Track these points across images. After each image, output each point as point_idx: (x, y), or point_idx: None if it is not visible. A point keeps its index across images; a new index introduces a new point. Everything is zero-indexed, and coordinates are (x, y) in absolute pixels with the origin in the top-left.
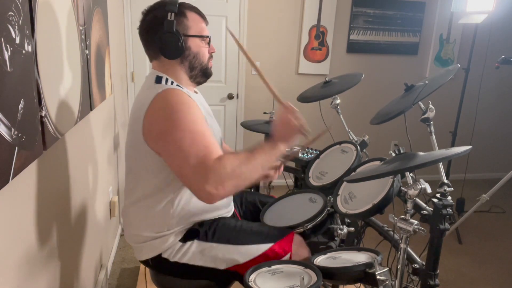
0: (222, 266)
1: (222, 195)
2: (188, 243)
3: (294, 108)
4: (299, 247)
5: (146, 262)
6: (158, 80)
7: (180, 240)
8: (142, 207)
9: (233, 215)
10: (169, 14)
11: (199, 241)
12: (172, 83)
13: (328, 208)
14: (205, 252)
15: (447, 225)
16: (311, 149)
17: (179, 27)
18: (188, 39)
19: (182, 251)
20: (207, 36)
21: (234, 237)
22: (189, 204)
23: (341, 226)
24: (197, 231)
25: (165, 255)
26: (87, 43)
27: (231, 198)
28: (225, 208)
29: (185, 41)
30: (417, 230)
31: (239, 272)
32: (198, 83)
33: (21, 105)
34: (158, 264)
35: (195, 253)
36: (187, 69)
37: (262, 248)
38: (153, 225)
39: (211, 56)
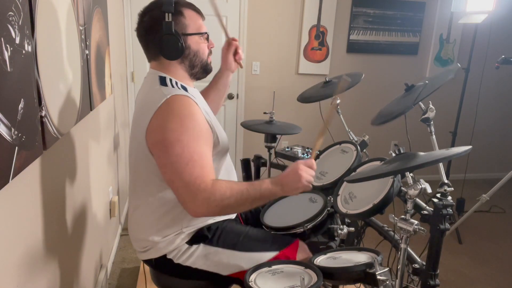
0: (225, 272)
1: (205, 215)
2: (194, 246)
3: (314, 166)
4: (303, 255)
5: (148, 261)
6: (163, 81)
7: (187, 243)
8: (150, 210)
9: (236, 218)
10: (167, 14)
11: (205, 245)
12: (176, 83)
13: (328, 208)
14: (210, 256)
15: (447, 225)
16: (311, 149)
17: (177, 27)
18: (187, 37)
19: (187, 253)
20: (205, 33)
21: (239, 243)
22: None
23: (341, 226)
24: (205, 236)
25: (170, 256)
26: (87, 43)
27: None
28: None
29: (184, 41)
30: (417, 230)
31: (240, 279)
32: (198, 79)
33: (21, 105)
34: (161, 264)
35: (200, 257)
36: (187, 67)
37: (266, 256)
38: (163, 228)
39: (210, 52)
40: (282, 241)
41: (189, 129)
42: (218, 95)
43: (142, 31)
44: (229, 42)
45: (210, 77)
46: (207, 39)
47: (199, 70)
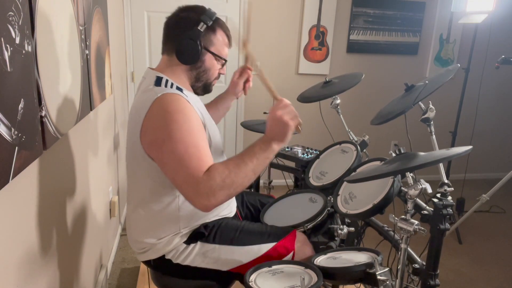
0: (225, 268)
1: (215, 205)
2: (192, 245)
3: (287, 102)
4: (302, 245)
5: (147, 262)
6: (158, 82)
7: (185, 242)
8: (146, 213)
9: (235, 215)
10: (202, 24)
11: (202, 242)
12: (172, 85)
13: (328, 208)
14: (208, 254)
15: (447, 225)
16: (311, 149)
17: (203, 39)
18: (207, 53)
19: (185, 253)
20: (225, 60)
21: (236, 238)
22: (191, 205)
23: (341, 226)
24: (202, 234)
25: (168, 256)
26: (87, 43)
27: (233, 198)
28: (228, 208)
29: (202, 54)
30: (417, 230)
31: (241, 273)
32: (196, 94)
33: (21, 105)
34: (160, 265)
35: (198, 255)
36: (192, 78)
37: (264, 248)
38: (159, 231)
39: (218, 77)
40: (279, 232)
41: (180, 124)
42: (217, 115)
43: (172, 24)
44: (245, 68)
45: (212, 95)
46: (223, 65)
47: (201, 86)
